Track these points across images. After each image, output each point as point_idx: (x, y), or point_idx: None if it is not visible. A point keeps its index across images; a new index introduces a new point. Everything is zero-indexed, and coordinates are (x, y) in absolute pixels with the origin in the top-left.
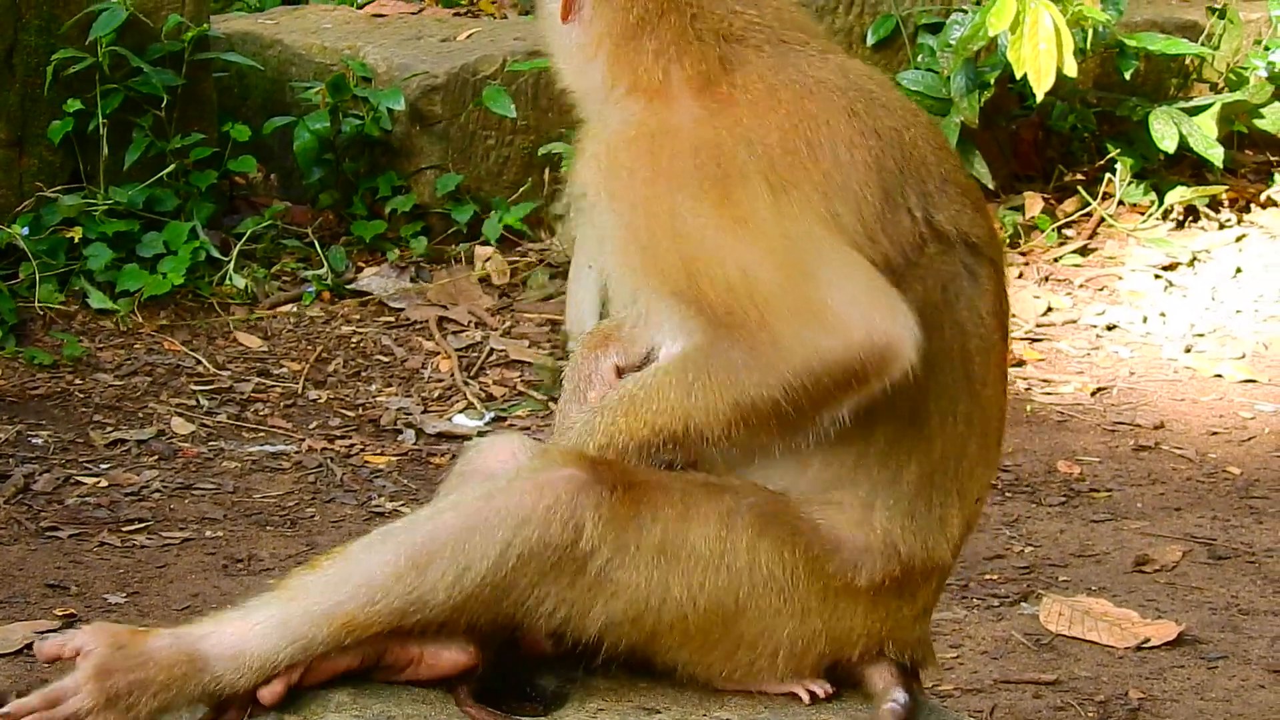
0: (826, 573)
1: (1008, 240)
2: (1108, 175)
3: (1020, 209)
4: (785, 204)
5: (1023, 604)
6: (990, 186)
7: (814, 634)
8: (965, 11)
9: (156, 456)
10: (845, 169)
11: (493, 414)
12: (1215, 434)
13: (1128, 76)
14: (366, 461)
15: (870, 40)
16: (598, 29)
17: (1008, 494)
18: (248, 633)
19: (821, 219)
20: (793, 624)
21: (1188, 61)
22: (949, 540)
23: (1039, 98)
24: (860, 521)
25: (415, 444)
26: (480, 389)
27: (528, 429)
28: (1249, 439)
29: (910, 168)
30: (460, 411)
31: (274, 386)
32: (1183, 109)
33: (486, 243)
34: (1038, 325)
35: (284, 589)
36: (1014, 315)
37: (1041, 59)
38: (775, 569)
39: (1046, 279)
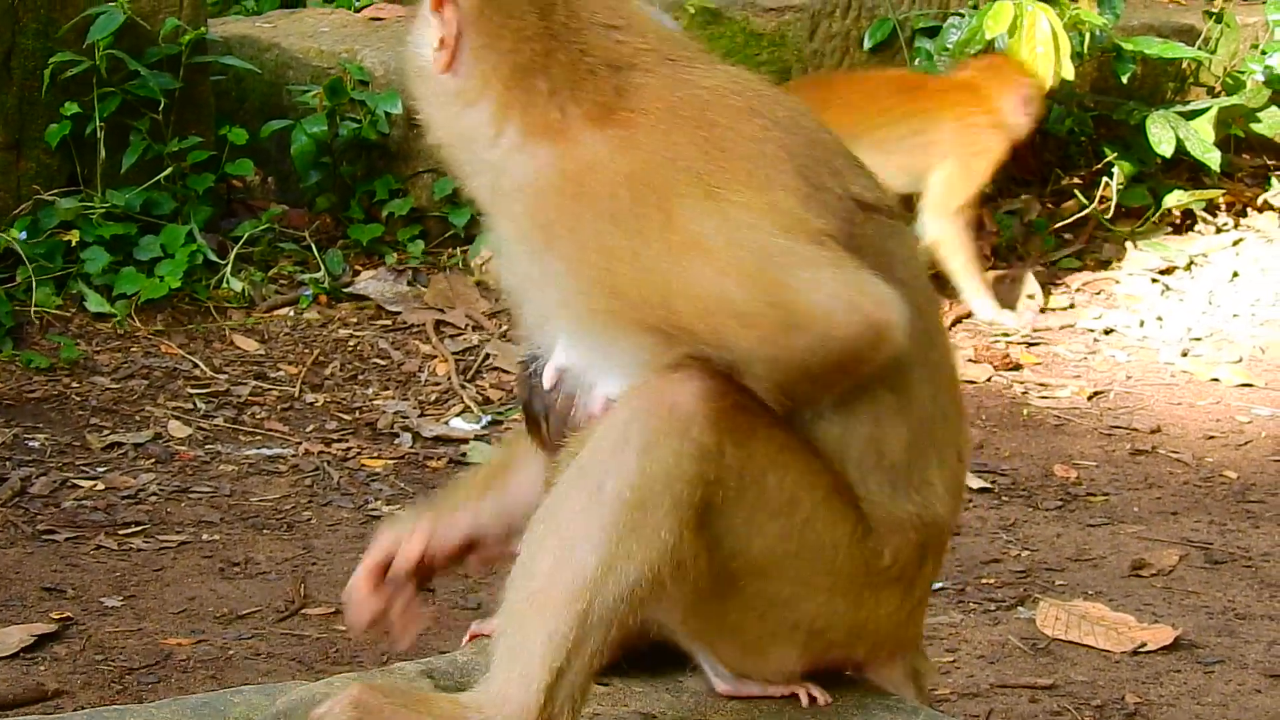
0: (863, 552)
1: (1005, 244)
2: (1104, 179)
3: (1017, 213)
4: (728, 212)
5: (1019, 608)
6: (988, 190)
7: (836, 616)
8: (962, 15)
9: (153, 460)
10: (764, 163)
11: (489, 417)
12: (1212, 438)
13: (1124, 80)
14: (363, 465)
15: (867, 44)
16: (480, 74)
17: (1004, 498)
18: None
19: (768, 216)
20: (821, 598)
21: (1185, 65)
22: (953, 502)
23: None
24: (865, 500)
25: (412, 447)
26: (477, 392)
27: None
28: (1245, 443)
29: (816, 149)
30: (457, 415)
31: (271, 390)
32: (1179, 113)
33: (484, 246)
34: (1034, 329)
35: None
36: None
37: (1039, 63)
38: (827, 536)
39: (1043, 283)
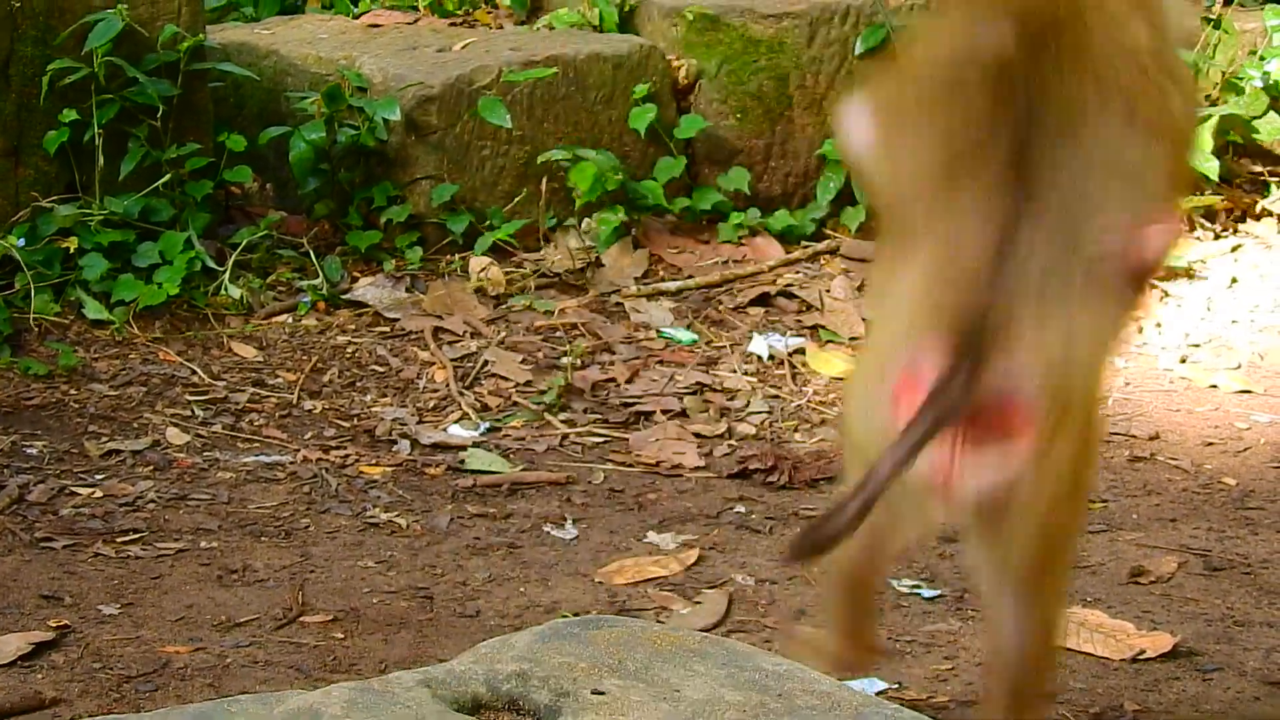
0: None
1: None
2: None
3: None
4: None
5: None
6: None
7: None
8: None
9: (151, 467)
10: None
11: (488, 424)
12: (1210, 445)
13: None
14: (361, 472)
15: (859, 49)
16: None
17: None
18: None
19: None
20: None
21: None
22: None
23: None
24: None
25: (410, 455)
26: (475, 399)
27: (522, 439)
28: (1244, 450)
29: None
30: (455, 422)
31: (269, 397)
32: None
33: (483, 253)
34: None
35: None
36: None
37: None
38: None
39: None
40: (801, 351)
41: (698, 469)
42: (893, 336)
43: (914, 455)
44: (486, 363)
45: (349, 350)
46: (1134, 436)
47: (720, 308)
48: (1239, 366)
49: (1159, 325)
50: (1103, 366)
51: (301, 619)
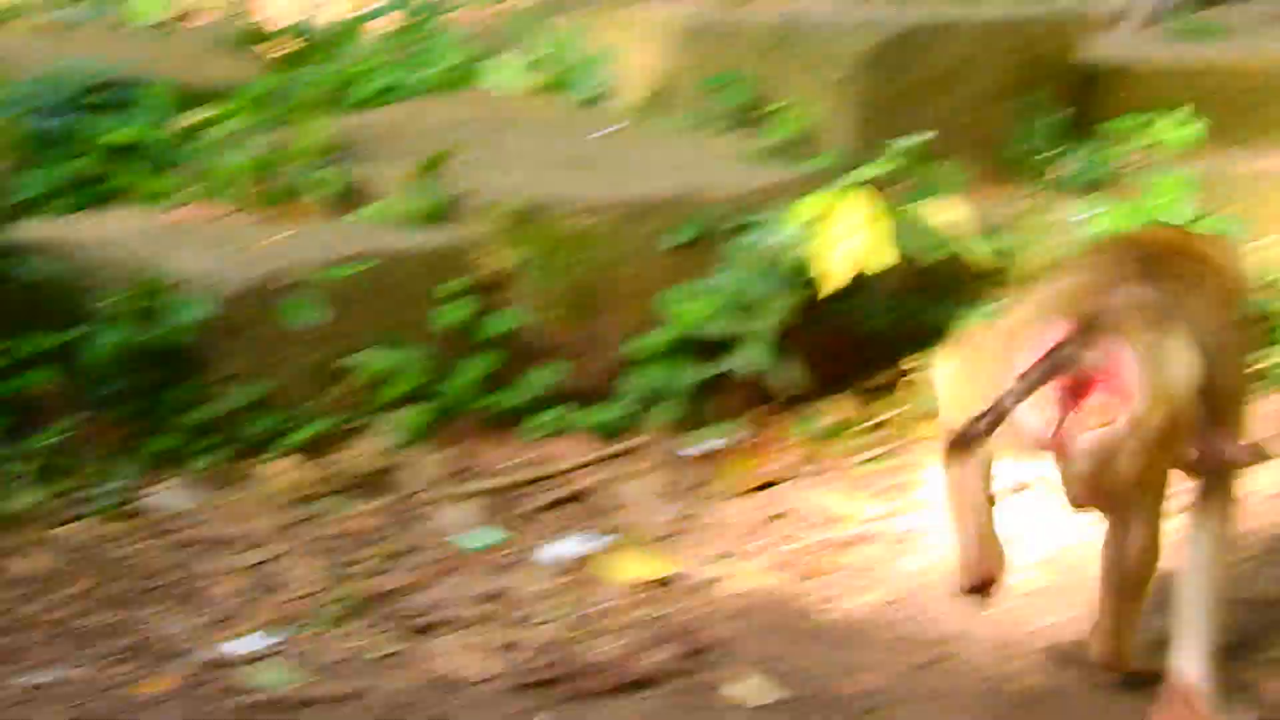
0: None
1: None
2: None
3: (822, 415)
4: None
5: None
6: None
7: None
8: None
9: None
10: None
11: (285, 635)
12: (1005, 647)
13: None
14: (146, 689)
15: (669, 244)
16: None
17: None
18: None
19: None
20: None
21: (999, 259)
22: None
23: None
24: None
25: (194, 670)
26: (267, 610)
27: (312, 650)
28: (1038, 650)
29: None
30: (245, 634)
31: (57, 609)
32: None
33: (285, 455)
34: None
35: None
36: (819, 523)
37: (845, 250)
38: None
39: (847, 486)
40: (602, 554)
41: (490, 680)
42: (1023, 318)
43: (1034, 387)
44: (280, 571)
45: (141, 559)
46: (921, 640)
47: (523, 508)
48: (1034, 563)
49: None
50: (1192, 380)
51: None
